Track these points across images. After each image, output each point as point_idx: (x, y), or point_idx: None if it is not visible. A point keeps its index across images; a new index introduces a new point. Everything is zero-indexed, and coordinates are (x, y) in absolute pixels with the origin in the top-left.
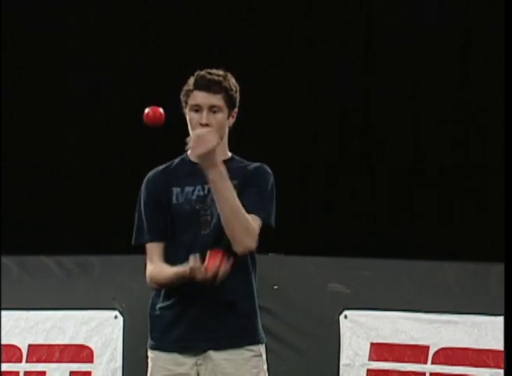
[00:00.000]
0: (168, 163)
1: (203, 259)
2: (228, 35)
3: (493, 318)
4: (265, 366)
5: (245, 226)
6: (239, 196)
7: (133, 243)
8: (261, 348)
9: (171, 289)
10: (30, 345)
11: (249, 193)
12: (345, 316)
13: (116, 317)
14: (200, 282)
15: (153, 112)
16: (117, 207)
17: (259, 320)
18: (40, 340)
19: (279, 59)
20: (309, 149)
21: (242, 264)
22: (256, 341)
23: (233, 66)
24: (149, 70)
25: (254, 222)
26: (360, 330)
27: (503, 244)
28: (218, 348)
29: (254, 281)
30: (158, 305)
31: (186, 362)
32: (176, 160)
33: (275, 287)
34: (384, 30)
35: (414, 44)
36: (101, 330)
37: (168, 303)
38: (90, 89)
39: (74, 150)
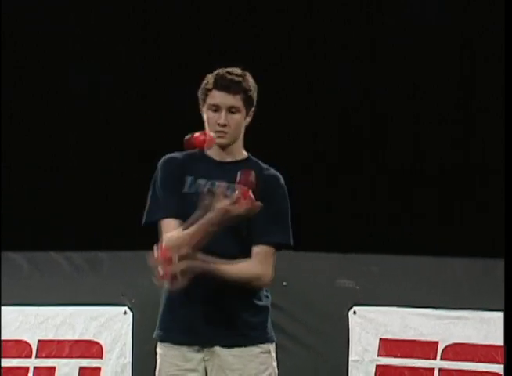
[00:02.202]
0: (186, 152)
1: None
2: (228, 35)
3: (502, 314)
4: (274, 364)
5: (253, 281)
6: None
7: (144, 220)
8: (270, 347)
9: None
10: (39, 341)
11: (263, 219)
12: (354, 312)
13: (125, 313)
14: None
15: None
16: (126, 203)
17: (269, 319)
18: (50, 336)
19: (279, 59)
20: (317, 145)
21: None
22: (264, 340)
23: (233, 66)
24: (149, 70)
25: (259, 252)
26: (369, 326)
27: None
28: (225, 345)
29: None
30: (165, 296)
31: (194, 357)
32: (195, 151)
33: (284, 283)
34: (384, 30)
35: (414, 44)
36: (110, 325)
37: (175, 295)
38: (90, 89)
39: (80, 147)
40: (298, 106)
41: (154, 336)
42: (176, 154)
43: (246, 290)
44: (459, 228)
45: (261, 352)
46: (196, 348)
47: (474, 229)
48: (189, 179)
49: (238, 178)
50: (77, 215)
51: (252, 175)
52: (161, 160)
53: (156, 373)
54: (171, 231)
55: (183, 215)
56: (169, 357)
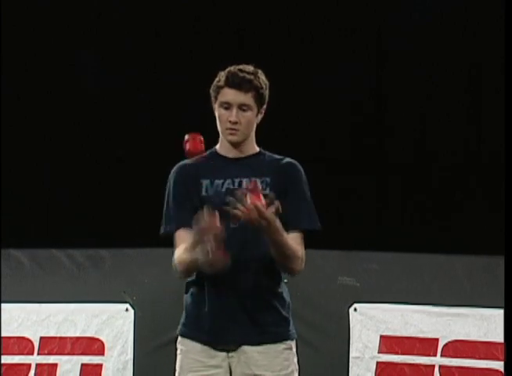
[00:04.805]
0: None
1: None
2: (233, 28)
3: (502, 311)
4: (296, 360)
5: (293, 258)
6: (276, 194)
7: (161, 232)
8: (292, 343)
9: (202, 278)
10: (41, 338)
11: (289, 206)
12: (355, 309)
13: (127, 310)
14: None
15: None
16: (128, 201)
17: (291, 317)
18: (51, 332)
19: (288, 55)
20: (319, 144)
21: (273, 262)
22: (288, 337)
23: (242, 60)
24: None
25: (298, 238)
26: (370, 323)
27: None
28: (251, 343)
29: (283, 277)
30: (191, 293)
31: (218, 354)
32: (205, 154)
33: (285, 280)
34: (396, 26)
35: (425, 41)
36: (112, 322)
37: (202, 293)
38: (98, 87)
39: (85, 143)
40: (308, 103)
41: (178, 332)
42: (187, 161)
43: (271, 287)
44: (460, 226)
45: (285, 349)
46: (222, 347)
47: (474, 227)
48: (205, 183)
49: (245, 187)
50: (79, 212)
51: (257, 184)
52: (173, 170)
53: (177, 369)
54: (181, 242)
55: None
56: (192, 353)
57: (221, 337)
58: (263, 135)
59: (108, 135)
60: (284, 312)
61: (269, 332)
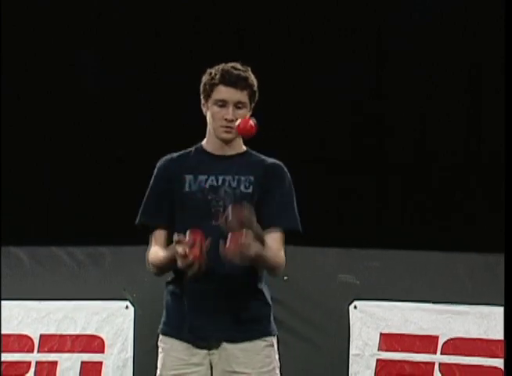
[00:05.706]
0: (183, 151)
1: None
2: (233, 28)
3: (502, 309)
4: (277, 356)
5: (276, 268)
6: (259, 193)
7: (136, 222)
8: (273, 340)
9: (184, 276)
10: (41, 335)
11: (270, 204)
12: (355, 307)
13: (127, 307)
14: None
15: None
16: (128, 198)
17: (271, 313)
18: (52, 330)
19: (288, 55)
20: (320, 143)
21: None
22: (268, 333)
23: (242, 60)
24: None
25: (278, 238)
26: (370, 321)
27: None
28: (232, 340)
29: (264, 273)
30: (171, 291)
31: (200, 352)
32: (191, 149)
33: (285, 277)
34: (396, 26)
35: (425, 41)
36: (112, 320)
37: (182, 291)
38: (98, 87)
39: (85, 143)
40: (307, 103)
41: (159, 331)
42: (173, 155)
43: (251, 284)
44: (460, 225)
45: (266, 346)
46: (204, 345)
47: (474, 225)
48: (188, 178)
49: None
50: (79, 210)
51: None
52: (158, 163)
53: (159, 367)
54: (155, 240)
55: (184, 215)
56: (174, 352)
57: (202, 335)
58: (263, 134)
59: (108, 135)
60: (265, 309)
61: (250, 329)
